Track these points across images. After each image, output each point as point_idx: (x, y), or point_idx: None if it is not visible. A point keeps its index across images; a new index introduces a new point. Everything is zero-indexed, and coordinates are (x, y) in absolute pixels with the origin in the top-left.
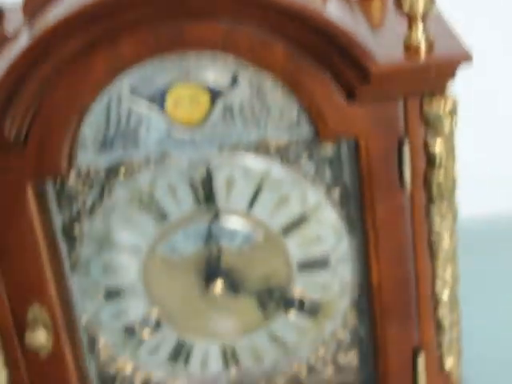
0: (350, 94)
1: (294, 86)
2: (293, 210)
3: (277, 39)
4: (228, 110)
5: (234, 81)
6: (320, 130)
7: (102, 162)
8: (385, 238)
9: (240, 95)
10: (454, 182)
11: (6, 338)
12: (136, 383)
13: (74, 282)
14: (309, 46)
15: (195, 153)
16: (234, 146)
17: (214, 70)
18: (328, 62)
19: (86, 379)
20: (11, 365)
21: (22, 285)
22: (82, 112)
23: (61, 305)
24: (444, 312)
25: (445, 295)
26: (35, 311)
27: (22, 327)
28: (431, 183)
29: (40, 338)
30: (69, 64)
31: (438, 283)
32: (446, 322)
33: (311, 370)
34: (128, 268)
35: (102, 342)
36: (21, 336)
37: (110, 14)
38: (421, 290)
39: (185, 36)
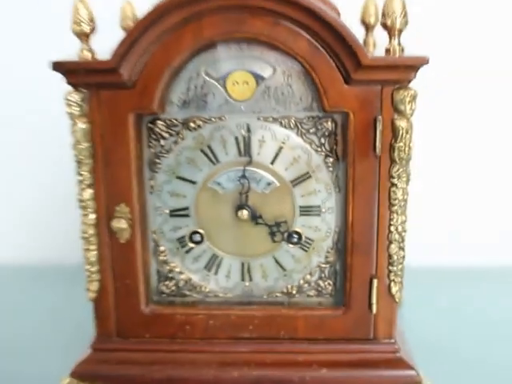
0: (346, 80)
1: (311, 69)
2: (301, 168)
3: (302, 34)
4: (266, 92)
5: (273, 71)
6: (324, 105)
7: (180, 115)
8: (359, 191)
9: (275, 82)
10: (409, 151)
11: (100, 225)
12: (180, 282)
13: (150, 200)
14: (324, 41)
15: (241, 118)
16: (266, 117)
17: (260, 63)
18: (334, 53)
19: (148, 270)
20: (100, 244)
21: (116, 189)
22: (172, 71)
23: (139, 211)
24: (394, 249)
25: (396, 236)
26: (121, 208)
27: (110, 218)
28: (394, 150)
29: (122, 225)
30: (166, 33)
31: (392, 227)
32: (395, 257)
33: (299, 290)
34: (186, 195)
35: (162, 247)
36: (109, 224)
37: (196, 1)
38: (380, 232)
39: (246, 25)
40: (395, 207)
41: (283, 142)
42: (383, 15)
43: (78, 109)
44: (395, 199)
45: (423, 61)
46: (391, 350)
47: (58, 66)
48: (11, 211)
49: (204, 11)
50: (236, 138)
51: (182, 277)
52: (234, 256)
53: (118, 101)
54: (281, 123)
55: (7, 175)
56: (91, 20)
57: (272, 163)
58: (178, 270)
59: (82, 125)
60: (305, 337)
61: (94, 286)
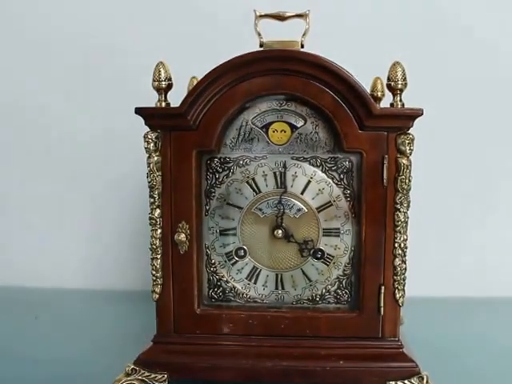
0: (360, 127)
1: (334, 118)
2: (324, 198)
3: (327, 91)
4: (299, 138)
5: (304, 122)
6: (344, 146)
7: (232, 155)
8: (370, 216)
9: (306, 130)
10: (409, 183)
11: (164, 238)
12: (226, 289)
13: (205, 221)
14: (344, 96)
15: (279, 158)
16: (298, 157)
17: (294, 115)
18: (352, 106)
19: (201, 278)
20: (164, 254)
21: (179, 210)
22: (227, 120)
23: (196, 229)
24: (398, 262)
25: (399, 251)
26: (183, 225)
27: (173, 232)
28: (397, 182)
29: (182, 238)
30: (224, 89)
31: (396, 244)
32: (399, 269)
33: (322, 297)
34: (234, 218)
35: (213, 260)
36: (172, 237)
37: (246, 64)
38: (386, 248)
39: (284, 83)
40: (398, 228)
41: (311, 177)
42: (388, 78)
43: (153, 144)
44: (398, 221)
45: (419, 112)
46: (395, 347)
47: (139, 111)
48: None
49: (252, 73)
50: (274, 173)
51: (228, 285)
52: (270, 268)
53: (185, 140)
54: (310, 162)
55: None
56: (168, 79)
57: (302, 193)
58: (224, 279)
59: (155, 157)
60: (326, 335)
61: (158, 288)
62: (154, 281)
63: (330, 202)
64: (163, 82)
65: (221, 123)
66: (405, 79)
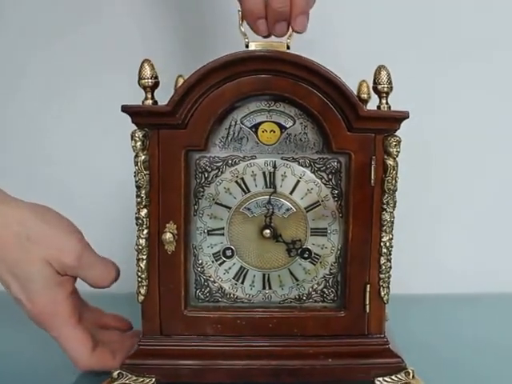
0: (348, 128)
1: (322, 120)
2: (313, 198)
3: (315, 92)
4: (288, 138)
5: (293, 123)
6: (332, 147)
7: (221, 154)
8: (357, 215)
9: (295, 131)
10: (395, 183)
11: (151, 238)
12: (213, 289)
13: (193, 220)
14: (331, 98)
15: (268, 158)
16: (288, 157)
17: (283, 116)
18: (340, 107)
19: (188, 278)
20: (150, 254)
21: (167, 210)
22: (215, 119)
23: (184, 228)
24: (383, 261)
25: (384, 250)
26: (170, 225)
27: (161, 232)
28: (384, 183)
29: (169, 237)
30: (212, 88)
31: (381, 243)
32: (384, 267)
33: (309, 296)
34: (222, 218)
35: (200, 260)
36: (159, 237)
37: (234, 64)
38: (372, 247)
39: (272, 84)
40: (384, 227)
41: (300, 177)
42: (374, 81)
43: (140, 143)
44: (384, 221)
45: (405, 114)
46: (381, 343)
47: (126, 108)
48: None
49: (241, 73)
50: (263, 173)
51: (215, 285)
52: (257, 268)
53: (173, 139)
54: (299, 162)
55: None
56: (154, 77)
57: (291, 193)
58: (212, 279)
59: (143, 156)
60: (313, 334)
61: (143, 290)
62: (140, 282)
63: (318, 201)
64: (149, 80)
65: (210, 122)
66: (390, 82)
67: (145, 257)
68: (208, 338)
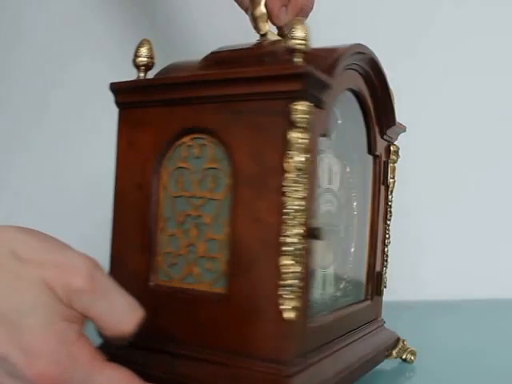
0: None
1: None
2: None
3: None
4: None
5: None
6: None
7: None
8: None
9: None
10: (394, 185)
11: None
12: None
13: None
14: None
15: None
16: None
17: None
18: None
19: None
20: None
21: None
22: None
23: None
24: (386, 250)
25: (387, 240)
26: None
27: None
28: (391, 184)
29: None
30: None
31: (387, 235)
32: (386, 255)
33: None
34: None
35: None
36: None
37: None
38: (377, 247)
39: None
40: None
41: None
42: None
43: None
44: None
45: (403, 128)
46: (382, 324)
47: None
48: None
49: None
50: None
51: None
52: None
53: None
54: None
55: None
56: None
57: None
58: None
59: None
60: None
61: None
62: None
63: None
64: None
65: None
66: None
67: None
68: None
